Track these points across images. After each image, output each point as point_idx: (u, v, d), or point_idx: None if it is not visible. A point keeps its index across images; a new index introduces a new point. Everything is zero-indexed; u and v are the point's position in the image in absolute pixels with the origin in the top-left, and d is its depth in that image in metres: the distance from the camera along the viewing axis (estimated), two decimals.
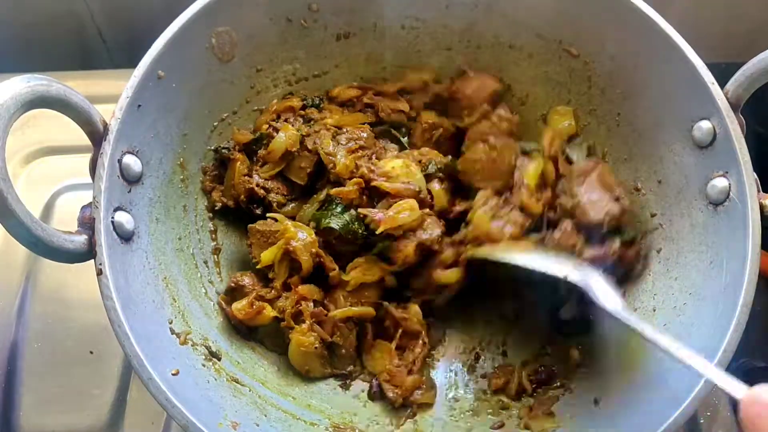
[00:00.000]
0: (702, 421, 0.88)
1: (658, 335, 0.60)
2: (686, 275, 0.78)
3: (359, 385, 0.86)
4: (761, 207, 0.71)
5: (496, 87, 0.93)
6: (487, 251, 0.81)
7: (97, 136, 0.70)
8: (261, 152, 0.88)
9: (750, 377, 0.52)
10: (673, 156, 0.82)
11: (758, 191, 0.72)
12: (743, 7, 1.16)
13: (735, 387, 0.50)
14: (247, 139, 0.88)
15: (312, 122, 0.90)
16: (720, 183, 0.75)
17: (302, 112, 0.91)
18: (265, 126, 0.89)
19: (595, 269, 0.74)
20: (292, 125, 0.89)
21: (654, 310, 0.81)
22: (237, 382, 0.78)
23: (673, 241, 0.82)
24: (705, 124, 0.76)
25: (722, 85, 0.75)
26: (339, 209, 0.83)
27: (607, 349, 0.80)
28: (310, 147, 0.88)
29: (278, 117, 0.90)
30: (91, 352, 0.91)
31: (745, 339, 0.67)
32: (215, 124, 0.88)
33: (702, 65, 0.76)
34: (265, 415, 0.76)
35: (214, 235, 0.89)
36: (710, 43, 0.80)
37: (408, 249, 0.82)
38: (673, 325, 0.77)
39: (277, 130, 0.88)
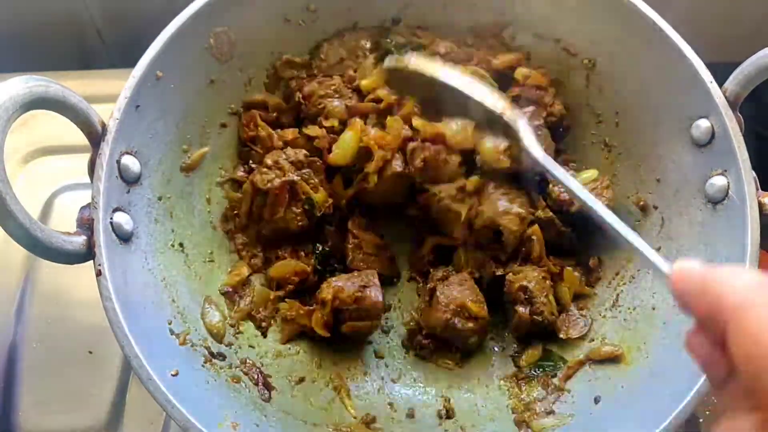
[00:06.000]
0: (701, 420, 0.88)
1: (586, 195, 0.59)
2: None
3: (360, 387, 0.86)
4: (760, 205, 0.71)
5: None
6: (425, 65, 0.72)
7: (95, 136, 0.70)
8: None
9: None
10: (671, 154, 0.82)
11: (757, 189, 0.72)
12: (742, 7, 1.16)
13: (662, 263, 0.48)
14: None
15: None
16: (719, 181, 0.75)
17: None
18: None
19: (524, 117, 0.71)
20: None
21: (654, 309, 0.81)
22: (237, 383, 0.78)
23: (671, 239, 0.82)
24: (703, 123, 0.76)
25: (721, 84, 0.75)
26: None
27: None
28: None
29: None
30: (90, 352, 0.91)
31: None
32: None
33: (701, 64, 0.76)
34: (265, 416, 0.76)
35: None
36: (709, 43, 0.80)
37: None
38: (673, 323, 0.77)
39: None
